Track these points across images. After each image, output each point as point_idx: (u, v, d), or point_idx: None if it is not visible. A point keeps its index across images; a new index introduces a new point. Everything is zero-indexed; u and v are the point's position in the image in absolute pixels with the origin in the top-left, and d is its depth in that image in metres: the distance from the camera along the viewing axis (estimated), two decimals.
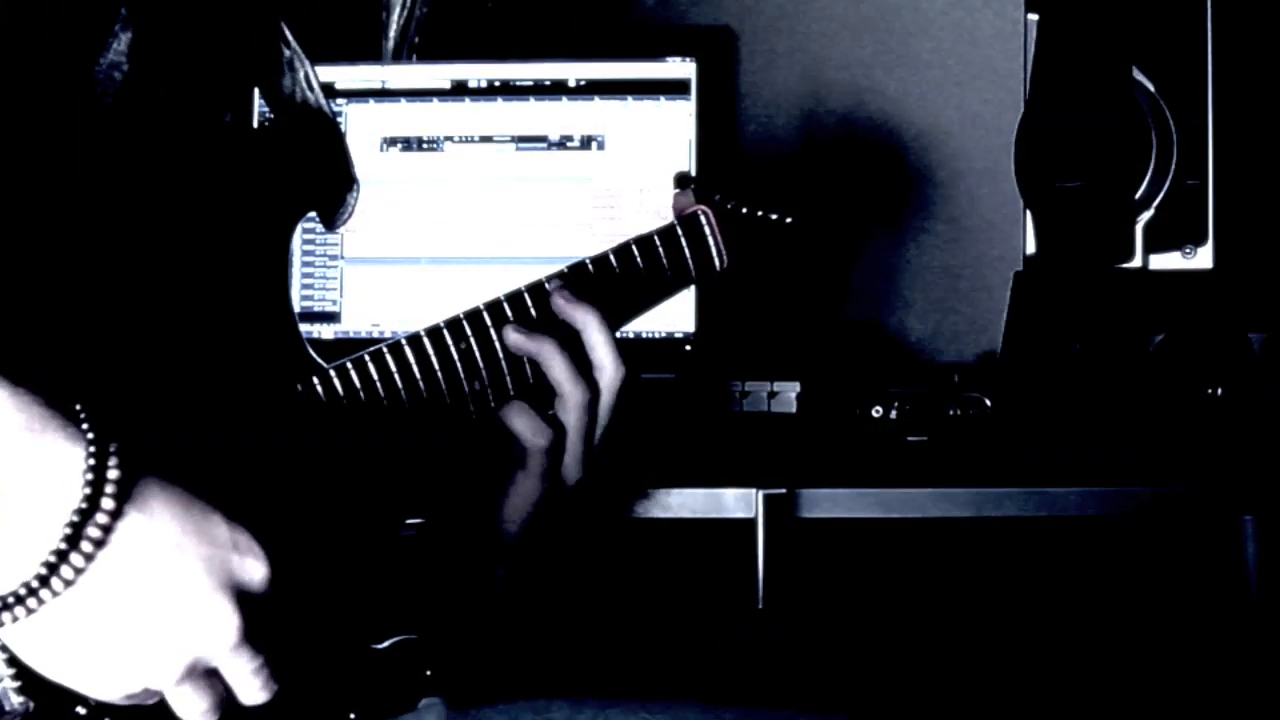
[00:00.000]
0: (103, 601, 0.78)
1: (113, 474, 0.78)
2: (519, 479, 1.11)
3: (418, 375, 1.07)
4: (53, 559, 0.76)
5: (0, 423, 0.77)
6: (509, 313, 1.11)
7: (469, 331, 1.09)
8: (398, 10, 1.12)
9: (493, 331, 1.10)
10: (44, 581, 0.77)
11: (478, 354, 1.09)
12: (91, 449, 0.77)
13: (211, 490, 0.82)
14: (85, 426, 0.78)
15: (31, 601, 0.77)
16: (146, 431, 0.80)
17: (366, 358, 1.06)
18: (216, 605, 0.80)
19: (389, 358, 1.07)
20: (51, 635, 0.78)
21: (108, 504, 0.77)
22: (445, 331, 1.09)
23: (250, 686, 0.83)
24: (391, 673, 1.03)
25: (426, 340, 1.08)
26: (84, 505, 0.77)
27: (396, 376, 1.06)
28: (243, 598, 0.81)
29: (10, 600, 0.77)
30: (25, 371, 0.79)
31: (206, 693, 0.82)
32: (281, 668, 0.84)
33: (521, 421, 1.09)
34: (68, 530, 0.77)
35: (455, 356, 1.09)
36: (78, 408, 0.79)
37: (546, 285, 1.12)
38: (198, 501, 0.81)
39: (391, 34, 1.12)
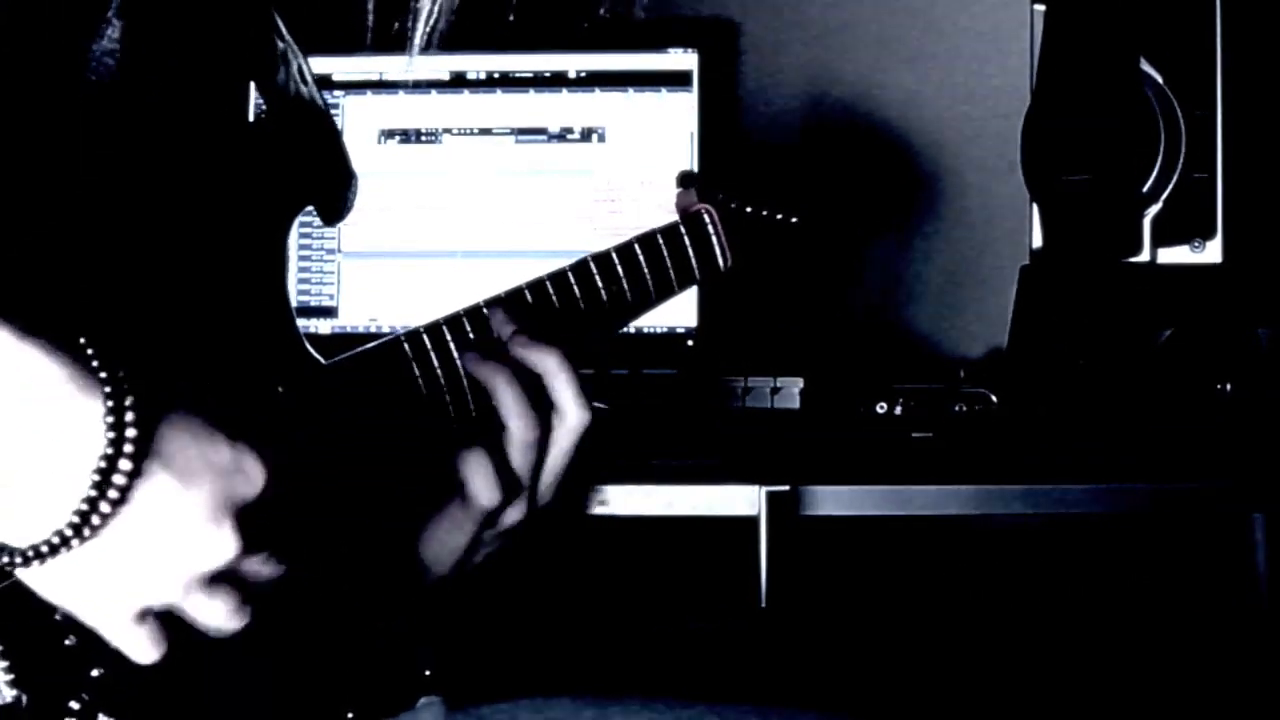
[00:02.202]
0: (115, 543, 0.79)
1: (130, 431, 0.78)
2: (452, 512, 1.05)
3: (417, 373, 1.07)
4: (76, 519, 0.77)
5: (10, 372, 0.77)
6: (468, 329, 1.08)
7: (429, 347, 1.06)
8: (428, 5, 1.11)
9: (453, 348, 1.07)
10: (74, 534, 0.77)
11: (439, 373, 1.06)
12: (110, 403, 0.78)
13: (213, 411, 0.82)
14: (101, 374, 0.78)
15: (62, 548, 0.77)
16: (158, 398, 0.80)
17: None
18: (215, 529, 0.81)
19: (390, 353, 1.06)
20: (63, 572, 0.79)
21: (125, 464, 0.78)
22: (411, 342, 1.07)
23: (264, 578, 0.84)
24: (390, 671, 1.02)
25: (407, 345, 1.07)
26: (105, 465, 0.77)
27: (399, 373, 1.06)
28: (244, 515, 0.82)
29: (30, 553, 0.77)
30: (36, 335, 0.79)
31: (224, 596, 0.82)
32: (287, 659, 0.85)
33: (477, 475, 1.03)
34: (92, 491, 0.77)
35: (418, 371, 1.06)
36: (89, 350, 0.79)
37: (506, 319, 1.08)
38: (203, 427, 0.81)
39: (420, 26, 1.11)
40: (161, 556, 0.80)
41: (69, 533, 0.77)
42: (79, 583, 0.80)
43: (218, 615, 0.83)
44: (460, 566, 1.07)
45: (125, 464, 0.78)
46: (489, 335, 1.08)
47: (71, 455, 0.77)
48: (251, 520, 0.82)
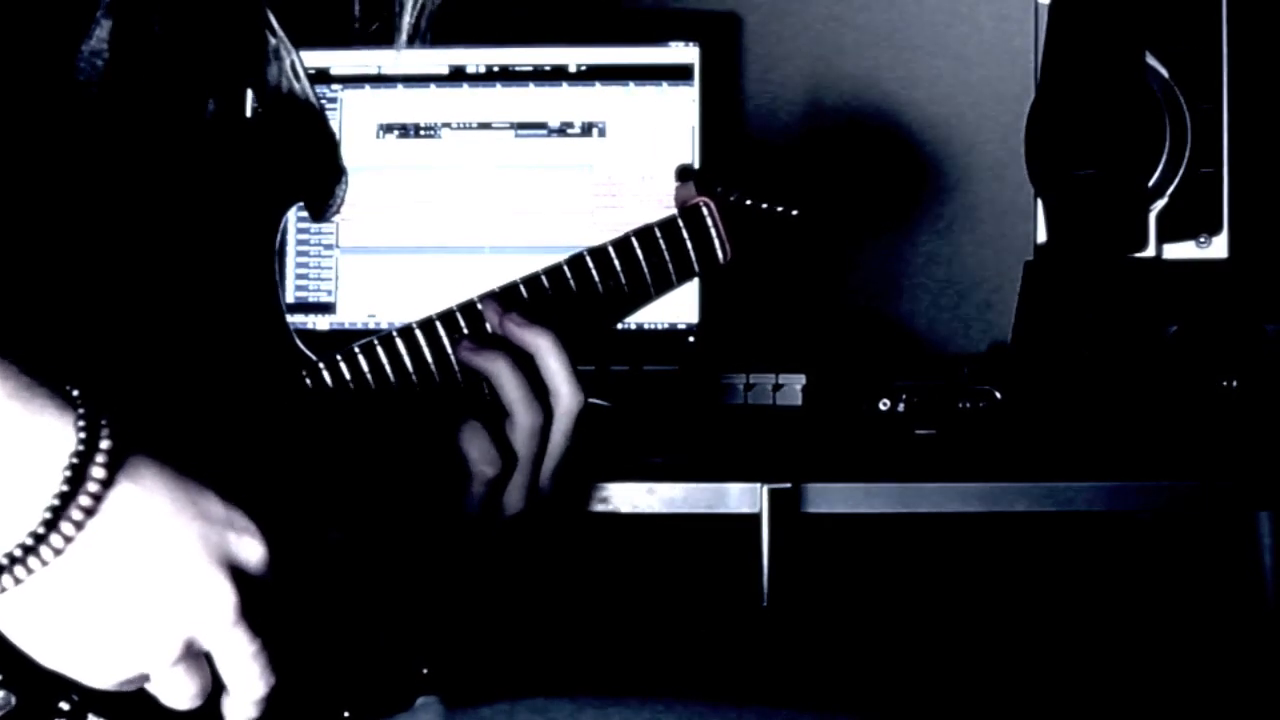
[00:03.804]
0: (93, 575, 0.76)
1: (105, 443, 0.76)
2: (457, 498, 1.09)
3: (410, 368, 1.06)
4: (41, 529, 0.75)
5: None
6: (462, 324, 1.09)
7: (422, 341, 1.08)
8: None
9: (447, 344, 1.08)
10: (31, 550, 0.75)
11: (432, 365, 1.08)
12: (82, 422, 0.76)
13: (206, 471, 0.81)
14: (76, 396, 0.77)
15: (19, 570, 0.75)
16: (137, 414, 0.79)
17: (357, 350, 1.05)
18: (212, 580, 0.78)
19: (380, 350, 1.05)
20: (41, 612, 0.76)
21: (99, 473, 0.76)
22: (398, 339, 1.07)
23: (247, 673, 0.81)
24: (388, 670, 1.02)
25: (399, 339, 1.07)
26: (74, 473, 0.75)
27: (388, 368, 1.05)
28: (240, 577, 0.80)
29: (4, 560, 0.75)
30: (11, 348, 0.77)
31: (195, 676, 0.80)
32: (281, 660, 0.82)
33: (473, 444, 1.06)
34: (56, 501, 0.75)
35: (409, 365, 1.07)
36: (68, 387, 0.77)
37: (498, 304, 1.10)
38: (192, 479, 0.80)
39: (407, 18, 1.10)
40: (147, 607, 0.78)
41: (42, 531, 0.75)
42: (56, 634, 0.77)
43: (185, 695, 0.81)
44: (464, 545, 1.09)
45: (98, 471, 0.76)
46: (483, 329, 1.09)
47: (39, 472, 0.75)
48: (249, 590, 0.80)
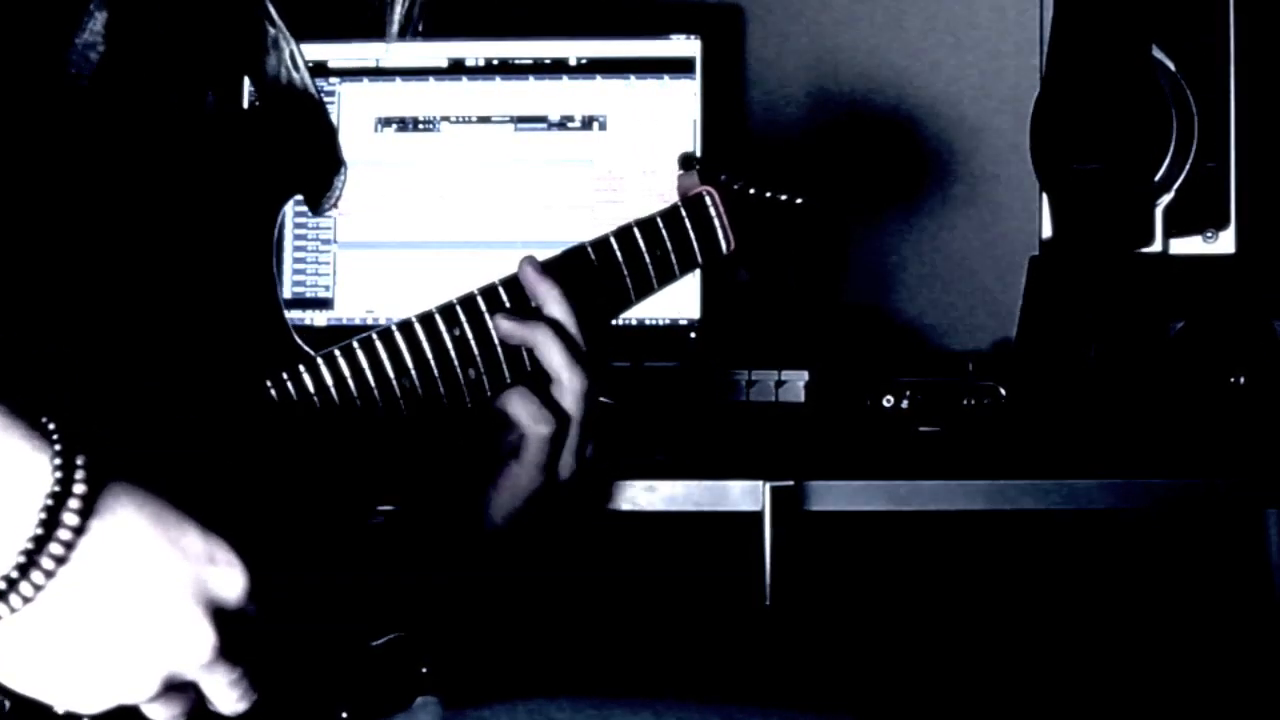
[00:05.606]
0: (69, 618, 0.76)
1: (79, 487, 0.76)
2: (512, 470, 1.10)
3: (410, 363, 1.05)
4: (14, 574, 0.75)
5: None
6: (504, 298, 1.09)
7: (463, 318, 1.08)
8: None
9: (488, 318, 1.08)
10: (2, 595, 0.75)
11: (473, 341, 1.08)
12: (58, 460, 0.75)
13: (187, 498, 0.80)
14: (53, 431, 0.76)
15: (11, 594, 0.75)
16: (120, 434, 0.78)
17: (356, 345, 1.04)
18: (191, 623, 0.79)
19: (379, 345, 1.05)
20: (16, 650, 0.77)
21: (72, 520, 0.76)
22: (438, 318, 1.07)
23: (227, 698, 0.82)
24: (386, 670, 1.02)
25: (418, 326, 1.06)
26: (48, 517, 0.75)
27: (387, 364, 1.04)
28: (219, 612, 0.79)
29: None
30: None
31: (178, 703, 0.81)
32: (262, 677, 0.82)
33: (523, 407, 1.08)
34: (30, 545, 0.75)
35: (449, 344, 1.07)
36: (44, 419, 0.76)
37: (531, 272, 1.11)
38: (171, 512, 0.79)
39: (398, 9, 1.10)
40: (124, 648, 0.77)
41: (15, 575, 0.74)
42: (32, 669, 0.77)
43: (165, 717, 0.81)
44: (522, 517, 1.11)
45: (71, 519, 0.75)
46: (483, 325, 1.08)
47: (12, 514, 0.75)
48: (229, 627, 0.80)
